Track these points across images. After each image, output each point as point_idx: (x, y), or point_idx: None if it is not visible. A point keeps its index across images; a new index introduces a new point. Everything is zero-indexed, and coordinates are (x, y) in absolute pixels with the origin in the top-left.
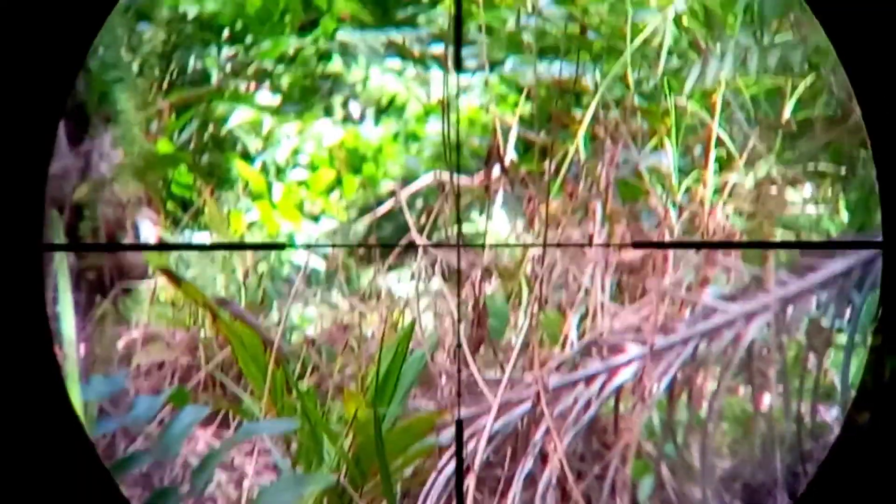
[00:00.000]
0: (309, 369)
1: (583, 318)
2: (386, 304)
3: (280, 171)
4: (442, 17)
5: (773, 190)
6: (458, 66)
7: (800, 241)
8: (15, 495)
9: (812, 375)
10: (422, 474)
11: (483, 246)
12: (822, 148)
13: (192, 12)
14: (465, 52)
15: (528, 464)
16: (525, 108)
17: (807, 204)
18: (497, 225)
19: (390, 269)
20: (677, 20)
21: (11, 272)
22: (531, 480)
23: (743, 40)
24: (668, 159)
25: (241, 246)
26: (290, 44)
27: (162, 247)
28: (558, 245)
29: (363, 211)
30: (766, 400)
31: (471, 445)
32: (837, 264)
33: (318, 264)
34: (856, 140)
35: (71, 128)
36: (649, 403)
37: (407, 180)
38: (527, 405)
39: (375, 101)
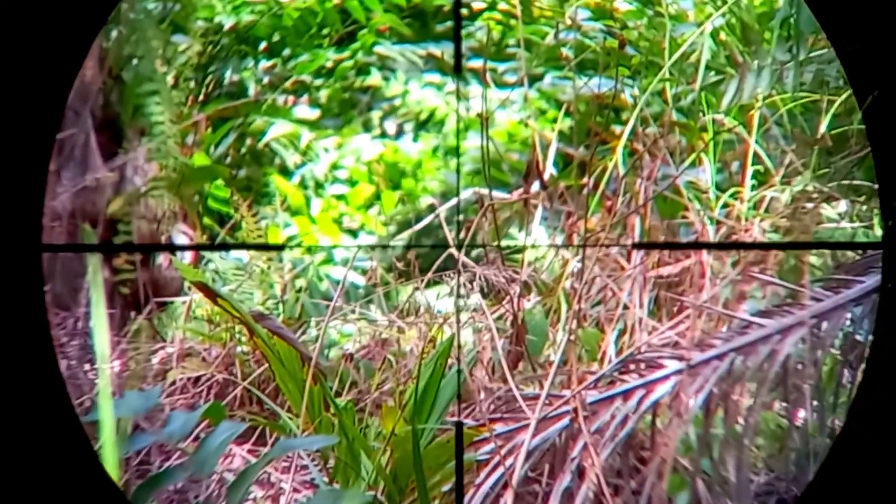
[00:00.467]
0: (347, 385)
1: (621, 333)
2: (425, 320)
3: (319, 186)
4: (481, 31)
5: (809, 205)
6: (458, 67)
7: (799, 241)
8: (14, 496)
9: (847, 390)
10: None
11: (485, 246)
12: (857, 163)
13: (227, 24)
14: (504, 66)
15: (565, 479)
16: (564, 123)
17: (842, 219)
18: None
19: (429, 285)
20: (715, 35)
21: (11, 272)
22: (569, 496)
23: (779, 55)
24: (706, 175)
25: (240, 245)
26: (329, 57)
27: (159, 247)
28: (559, 246)
29: (402, 226)
30: (802, 415)
31: (509, 461)
32: (871, 280)
33: (358, 279)
34: None
35: (104, 140)
36: (686, 418)
37: (446, 195)
38: (565, 421)
39: (415, 115)
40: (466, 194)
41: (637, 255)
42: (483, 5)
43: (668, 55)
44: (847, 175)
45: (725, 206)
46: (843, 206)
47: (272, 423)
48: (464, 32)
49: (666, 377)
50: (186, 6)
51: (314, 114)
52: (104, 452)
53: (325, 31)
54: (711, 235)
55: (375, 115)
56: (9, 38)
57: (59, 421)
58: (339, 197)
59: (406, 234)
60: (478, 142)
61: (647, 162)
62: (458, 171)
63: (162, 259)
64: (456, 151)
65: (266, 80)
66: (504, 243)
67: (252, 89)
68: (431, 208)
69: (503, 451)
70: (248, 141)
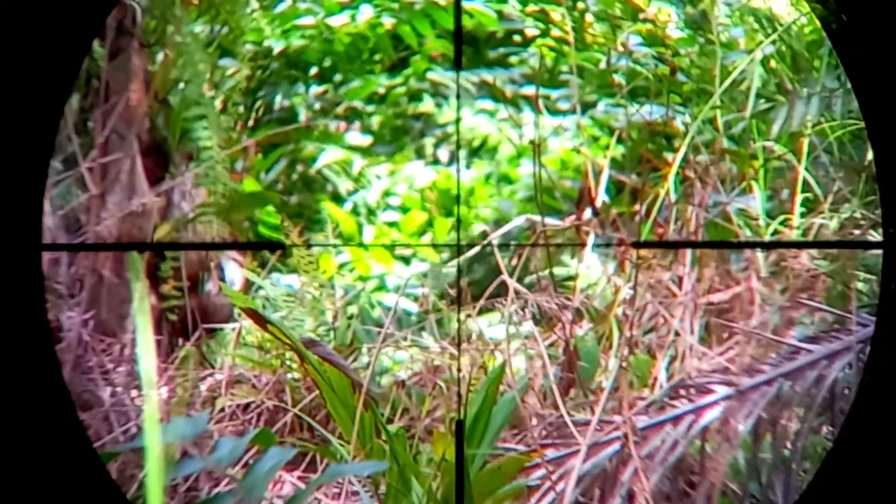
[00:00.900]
0: (398, 412)
1: (672, 360)
2: (477, 347)
3: (371, 213)
4: (534, 57)
5: (857, 232)
6: (459, 66)
7: (798, 241)
8: (13, 496)
9: None
10: None
11: (484, 242)
12: None
13: (277, 48)
14: (557, 93)
15: None
16: (617, 150)
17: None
18: (588, 267)
19: (481, 312)
20: (765, 63)
21: (11, 272)
22: None
23: (828, 83)
24: (756, 202)
25: (239, 245)
26: (381, 83)
27: (158, 246)
28: (558, 245)
29: (454, 253)
30: None
31: (559, 486)
32: None
33: (410, 306)
34: None
35: (150, 165)
36: (734, 443)
37: (499, 223)
38: (615, 446)
39: (467, 142)
40: (519, 221)
41: (688, 282)
42: (536, 32)
43: (718, 82)
44: None
45: (775, 232)
46: None
47: (322, 449)
48: (516, 59)
49: (715, 402)
50: (234, 29)
51: (366, 140)
52: (149, 479)
53: (376, 57)
54: (761, 262)
55: (428, 141)
56: (9, 37)
57: (60, 420)
58: (392, 224)
59: (458, 261)
60: (531, 169)
61: (698, 189)
62: (457, 171)
63: (211, 286)
64: (456, 157)
65: (317, 105)
66: (557, 272)
67: (303, 115)
68: (484, 235)
69: (554, 477)
70: (300, 167)
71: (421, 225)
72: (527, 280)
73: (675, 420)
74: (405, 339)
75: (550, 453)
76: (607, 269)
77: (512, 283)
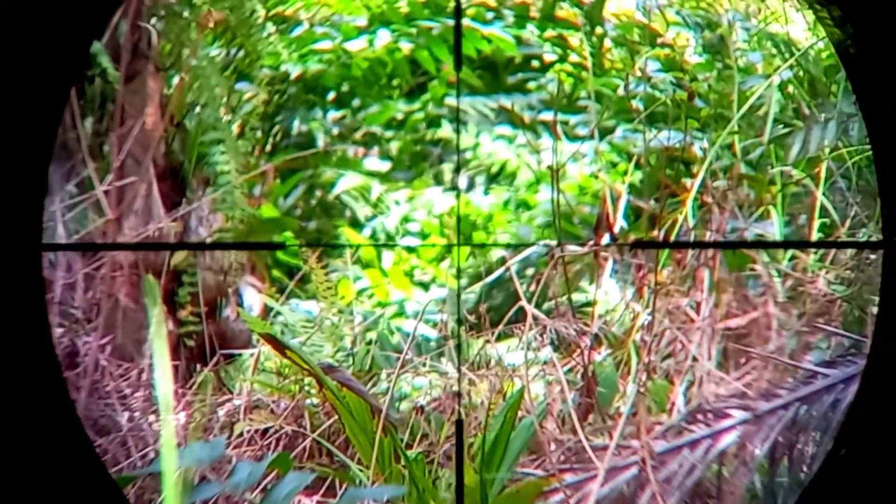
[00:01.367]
0: (417, 437)
1: (689, 385)
2: (495, 372)
3: (390, 239)
4: (552, 83)
5: (873, 256)
6: (458, 66)
7: (799, 241)
8: (13, 495)
9: None
10: None
11: (483, 245)
12: None
13: (294, 72)
14: (575, 119)
15: None
16: (635, 175)
17: None
18: (607, 293)
19: (500, 337)
20: (783, 88)
21: (11, 272)
22: None
23: (845, 108)
24: (774, 228)
25: (238, 245)
26: (399, 108)
27: (154, 246)
28: (559, 244)
29: (473, 279)
30: None
31: None
32: None
33: (429, 332)
34: None
35: (167, 190)
36: (751, 467)
37: (518, 248)
38: (633, 470)
39: (486, 168)
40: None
41: (706, 308)
42: (554, 57)
43: (736, 107)
44: None
45: (793, 258)
46: None
47: (341, 474)
48: (534, 84)
49: (732, 427)
50: (250, 53)
51: (385, 166)
52: (166, 503)
53: (394, 82)
54: (779, 288)
55: (447, 167)
56: (9, 37)
57: (60, 419)
58: (411, 250)
59: (477, 287)
60: (549, 195)
61: (715, 215)
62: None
63: (229, 311)
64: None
65: (335, 130)
66: (576, 298)
67: (321, 140)
68: (502, 261)
69: (572, 501)
70: (318, 192)
71: (440, 251)
72: (545, 306)
73: (693, 444)
74: (424, 364)
75: (568, 478)
76: (626, 295)
77: (530, 309)
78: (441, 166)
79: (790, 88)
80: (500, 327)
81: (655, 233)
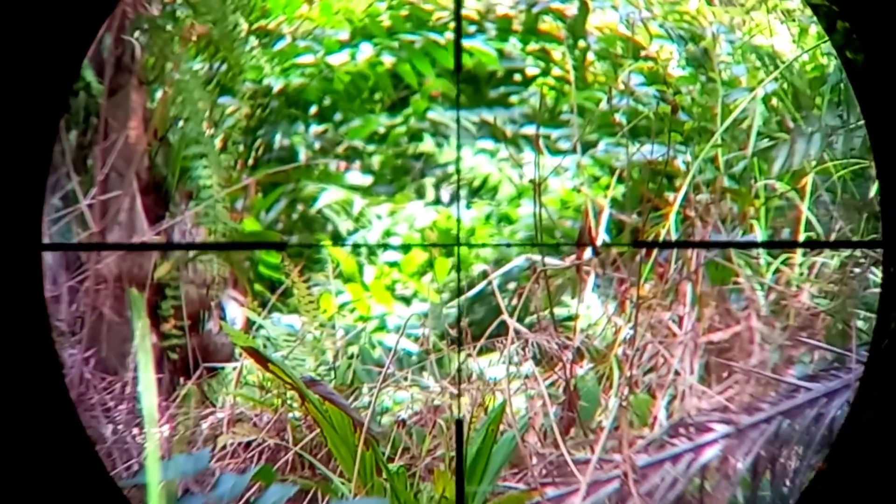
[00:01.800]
0: (399, 451)
1: (671, 399)
2: (477, 387)
3: (372, 253)
4: (534, 96)
5: (857, 270)
6: (458, 67)
7: (798, 241)
8: (12, 495)
9: None
10: None
11: (483, 245)
12: None
13: (276, 86)
14: (557, 133)
15: None
16: (617, 189)
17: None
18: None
19: (482, 352)
20: (766, 100)
21: (11, 272)
22: None
23: (829, 120)
24: (757, 241)
25: (238, 245)
26: (381, 122)
27: (155, 246)
28: (549, 245)
29: (455, 294)
30: None
31: None
32: None
33: (410, 346)
34: None
35: (150, 203)
36: (734, 481)
37: (500, 262)
38: (615, 484)
39: (468, 182)
40: (519, 261)
41: (688, 322)
42: (536, 71)
43: (720, 121)
44: None
45: (777, 271)
46: None
47: (323, 486)
48: (516, 98)
49: (714, 441)
50: (233, 67)
51: (367, 180)
52: None
53: (376, 96)
54: (762, 301)
55: (428, 181)
56: (9, 36)
57: (59, 419)
58: (392, 264)
59: (458, 301)
60: (531, 208)
61: (699, 228)
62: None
63: (212, 325)
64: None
65: (317, 145)
66: (558, 312)
67: (303, 154)
68: (484, 275)
69: None
70: (300, 206)
71: (421, 265)
72: (527, 320)
73: (675, 458)
74: (405, 378)
75: (551, 492)
76: (608, 309)
77: (512, 323)
78: (423, 180)
79: (774, 101)
80: (482, 341)
81: None
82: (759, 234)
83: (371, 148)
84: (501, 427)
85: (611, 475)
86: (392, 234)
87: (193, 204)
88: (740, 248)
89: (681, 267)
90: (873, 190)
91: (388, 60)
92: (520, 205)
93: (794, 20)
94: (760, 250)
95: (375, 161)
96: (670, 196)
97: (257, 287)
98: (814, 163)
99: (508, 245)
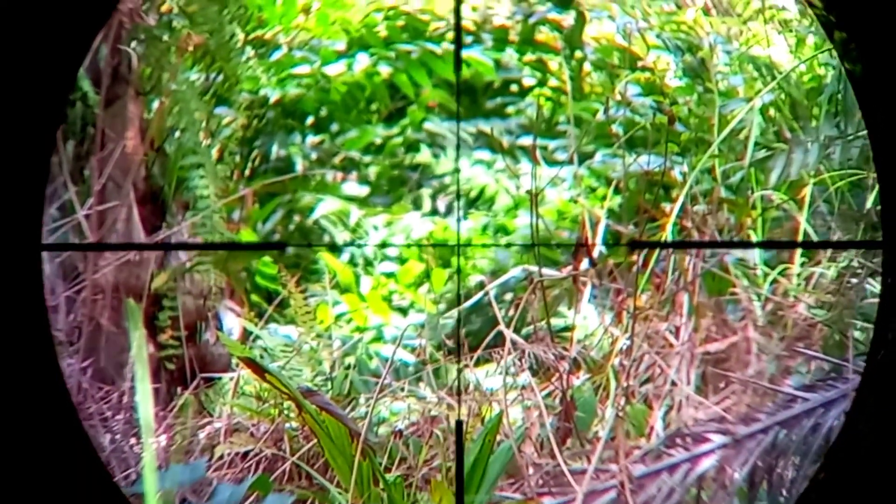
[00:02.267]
0: (396, 461)
1: (668, 409)
2: (474, 397)
3: (368, 264)
4: (531, 107)
5: (854, 281)
6: (458, 67)
7: (797, 241)
8: (14, 494)
9: None
10: None
11: (484, 246)
12: None
13: (273, 96)
14: (554, 143)
15: None
16: (614, 200)
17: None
18: (585, 318)
19: (478, 362)
20: (764, 111)
21: (11, 272)
22: None
23: (827, 131)
24: (754, 252)
25: (238, 245)
26: (378, 133)
27: (152, 246)
28: (546, 244)
29: (452, 304)
30: None
31: None
32: None
33: (407, 357)
34: None
35: (147, 213)
36: (730, 491)
37: (496, 273)
38: (611, 494)
39: (465, 192)
40: (516, 272)
41: (685, 332)
42: (533, 81)
43: (717, 131)
44: None
45: (774, 282)
46: None
47: (320, 496)
48: (513, 109)
49: (711, 451)
50: (230, 77)
51: (363, 191)
52: None
53: (373, 107)
54: (759, 312)
55: (425, 192)
56: (9, 36)
57: (59, 418)
58: (389, 275)
59: (455, 312)
60: (528, 219)
61: (695, 239)
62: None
63: (209, 335)
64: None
65: (314, 155)
66: (555, 322)
67: (299, 164)
68: (481, 286)
69: None
70: (297, 217)
71: (418, 276)
72: (524, 331)
73: (671, 469)
74: (402, 389)
75: (547, 502)
76: (604, 320)
77: (509, 334)
78: (420, 191)
79: (772, 112)
80: (479, 352)
81: (635, 257)
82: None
83: (368, 158)
84: (498, 437)
85: (607, 485)
86: (389, 244)
87: (190, 214)
88: (737, 249)
89: (678, 277)
90: (871, 200)
91: (384, 71)
92: (516, 215)
93: (791, 31)
94: (758, 261)
95: (372, 172)
96: (667, 207)
97: (254, 298)
98: (812, 173)
99: (508, 246)
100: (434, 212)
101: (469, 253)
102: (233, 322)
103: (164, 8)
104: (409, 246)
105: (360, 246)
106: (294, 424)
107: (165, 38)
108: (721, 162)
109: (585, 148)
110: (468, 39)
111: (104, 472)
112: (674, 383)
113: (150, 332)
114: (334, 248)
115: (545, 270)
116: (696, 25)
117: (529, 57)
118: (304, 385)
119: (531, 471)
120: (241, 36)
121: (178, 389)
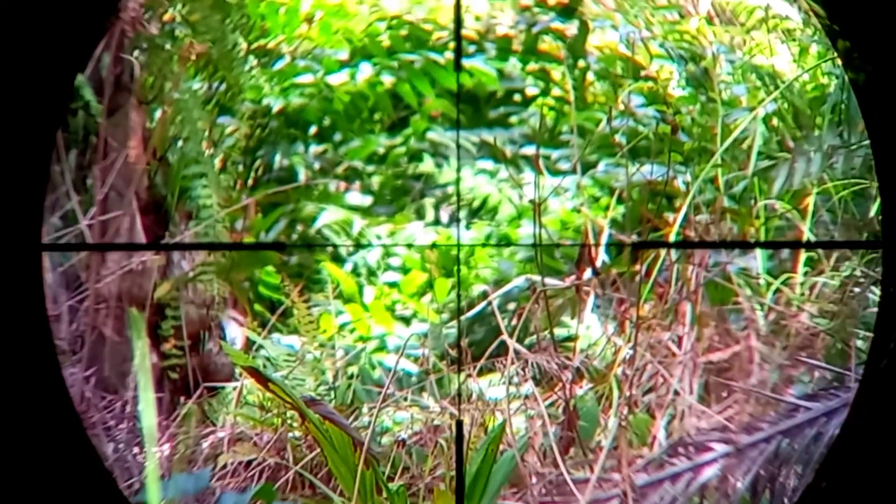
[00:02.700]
0: (399, 470)
1: (671, 419)
2: (477, 407)
3: (371, 274)
4: (534, 117)
5: (857, 290)
6: (458, 67)
7: (797, 241)
8: (12, 492)
9: None
10: None
11: (484, 245)
12: None
13: (276, 106)
14: (557, 153)
15: None
16: (617, 210)
17: None
18: (588, 327)
19: (482, 372)
20: (767, 120)
21: (11, 272)
22: None
23: (830, 140)
24: (757, 262)
25: (238, 246)
26: (380, 143)
27: (151, 246)
28: (555, 244)
29: (455, 314)
30: None
31: None
32: None
33: (410, 366)
34: None
35: (149, 223)
36: (733, 500)
37: (499, 283)
38: (614, 503)
39: (468, 202)
40: (519, 281)
41: (688, 342)
42: (536, 91)
43: (720, 141)
44: None
45: (777, 291)
46: None
47: None
48: (516, 118)
49: (714, 460)
50: (232, 87)
51: (366, 200)
52: None
53: (376, 116)
54: (761, 321)
55: (428, 202)
56: (10, 37)
57: (59, 418)
58: (392, 284)
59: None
60: (531, 229)
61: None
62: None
63: (212, 345)
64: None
65: (317, 165)
66: (558, 332)
67: (302, 174)
68: (484, 295)
69: None
70: (300, 227)
71: (421, 286)
72: (527, 341)
73: (674, 478)
74: (405, 399)
75: None
76: (607, 329)
77: (512, 344)
78: (423, 201)
79: (775, 121)
80: (482, 361)
81: (638, 267)
82: (758, 255)
83: (371, 168)
84: (501, 447)
85: (610, 494)
86: (392, 254)
87: (193, 224)
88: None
89: (680, 287)
90: (873, 209)
91: (387, 80)
92: (520, 225)
93: (794, 40)
94: (760, 271)
95: (375, 181)
96: (670, 216)
97: (257, 307)
98: (815, 182)
99: (509, 245)
100: (437, 221)
101: (472, 262)
102: (236, 331)
103: (166, 17)
104: (409, 246)
105: (361, 247)
106: (297, 434)
107: (168, 47)
108: (724, 171)
109: (588, 157)
110: (471, 49)
111: (108, 482)
112: (676, 392)
113: (153, 341)
114: (336, 258)
115: (548, 280)
116: (700, 35)
117: (532, 66)
118: (308, 394)
119: (534, 480)
120: (243, 45)
121: (182, 399)
